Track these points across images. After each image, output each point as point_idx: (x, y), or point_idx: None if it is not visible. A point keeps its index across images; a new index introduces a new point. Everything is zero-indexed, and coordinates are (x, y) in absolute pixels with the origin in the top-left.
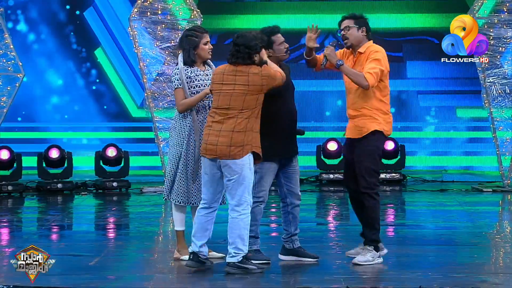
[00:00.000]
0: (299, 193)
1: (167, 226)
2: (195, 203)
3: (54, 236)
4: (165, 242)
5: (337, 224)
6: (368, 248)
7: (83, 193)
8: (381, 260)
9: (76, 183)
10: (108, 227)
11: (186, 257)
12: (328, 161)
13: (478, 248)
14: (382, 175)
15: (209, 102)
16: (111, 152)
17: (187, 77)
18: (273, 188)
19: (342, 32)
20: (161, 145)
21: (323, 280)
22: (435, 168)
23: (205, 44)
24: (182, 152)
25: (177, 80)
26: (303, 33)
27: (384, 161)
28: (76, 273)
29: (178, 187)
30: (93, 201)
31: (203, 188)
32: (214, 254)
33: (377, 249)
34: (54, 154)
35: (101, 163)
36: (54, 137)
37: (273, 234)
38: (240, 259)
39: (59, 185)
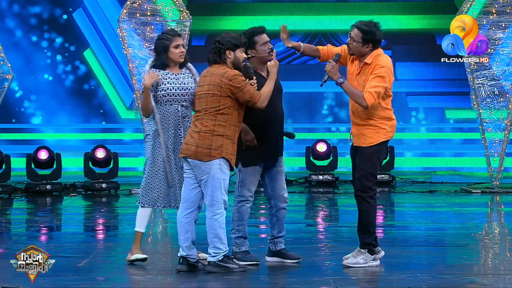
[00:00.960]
0: (285, 195)
1: (156, 228)
2: (162, 206)
3: (43, 238)
4: (154, 244)
5: (326, 226)
6: (362, 250)
7: (72, 194)
8: (376, 263)
9: (65, 185)
10: (97, 228)
11: (135, 256)
12: (318, 163)
13: (467, 249)
14: None
15: (178, 107)
16: (100, 154)
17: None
18: (262, 189)
19: (348, 39)
20: None
21: (312, 281)
22: (424, 169)
23: (176, 47)
24: (149, 155)
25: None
26: (292, 34)
27: None
28: (65, 274)
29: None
30: (82, 202)
31: (183, 187)
32: (203, 255)
33: (371, 252)
34: (43, 155)
35: (90, 165)
36: (43, 138)
37: (263, 235)
38: (220, 258)
39: (48, 187)
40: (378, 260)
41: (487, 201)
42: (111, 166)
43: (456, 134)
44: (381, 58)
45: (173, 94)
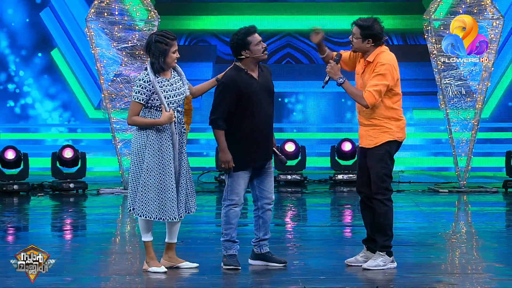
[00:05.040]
0: (272, 197)
1: (124, 228)
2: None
3: (10, 238)
4: (122, 244)
5: (294, 225)
6: (380, 253)
7: (39, 194)
8: (394, 265)
9: (32, 185)
10: (65, 228)
11: (154, 268)
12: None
13: (434, 248)
14: (339, 176)
15: (175, 112)
16: (67, 153)
17: (154, 90)
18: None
19: (350, 37)
20: (118, 146)
21: (280, 281)
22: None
23: (174, 52)
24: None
25: (139, 93)
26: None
27: (342, 162)
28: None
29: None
30: (50, 202)
31: None
32: (188, 264)
33: (390, 254)
34: (10, 155)
35: (58, 164)
36: (10, 138)
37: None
38: None
39: (15, 187)
40: (396, 262)
41: (454, 200)
42: (78, 166)
43: (424, 134)
44: (383, 56)
45: (170, 102)
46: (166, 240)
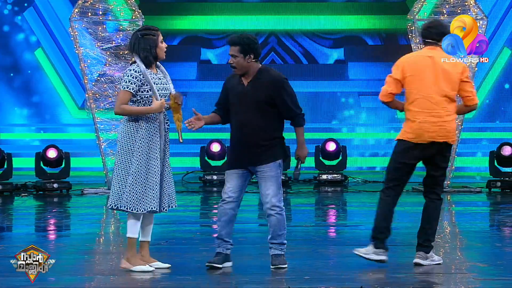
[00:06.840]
0: (268, 201)
1: (108, 228)
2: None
3: None
4: (106, 244)
5: None
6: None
7: (23, 194)
8: (377, 257)
9: (16, 185)
10: (49, 228)
11: (140, 268)
12: None
13: None
14: (324, 176)
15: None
16: (51, 153)
17: (145, 81)
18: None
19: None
20: (103, 146)
21: (265, 281)
22: (376, 169)
23: (162, 42)
24: (135, 157)
25: (129, 82)
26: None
27: (326, 162)
28: (16, 275)
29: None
30: (34, 202)
31: None
32: (159, 264)
33: (376, 245)
34: None
35: (42, 164)
36: None
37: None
38: None
39: None
40: (385, 256)
41: None
42: (62, 166)
43: None
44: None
45: (159, 95)
46: (140, 238)
